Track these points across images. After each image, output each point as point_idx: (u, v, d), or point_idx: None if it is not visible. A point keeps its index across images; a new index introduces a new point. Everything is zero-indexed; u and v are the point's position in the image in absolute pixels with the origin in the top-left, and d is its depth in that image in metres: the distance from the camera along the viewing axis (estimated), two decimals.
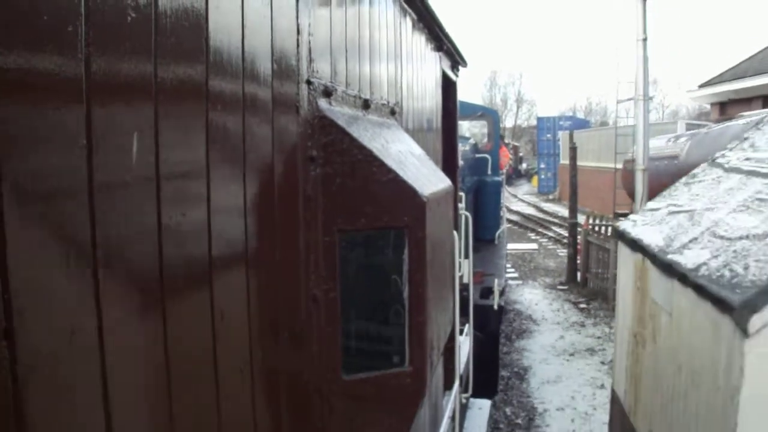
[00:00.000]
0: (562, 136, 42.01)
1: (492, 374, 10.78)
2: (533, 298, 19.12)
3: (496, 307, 10.37)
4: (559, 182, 46.36)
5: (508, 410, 11.25)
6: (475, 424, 8.18)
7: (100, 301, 1.24)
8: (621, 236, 6.40)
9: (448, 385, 6.07)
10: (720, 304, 3.72)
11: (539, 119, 57.58)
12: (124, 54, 1.32)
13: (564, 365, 13.33)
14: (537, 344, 14.76)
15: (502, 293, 12.19)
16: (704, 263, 4.27)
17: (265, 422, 2.07)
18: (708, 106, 20.78)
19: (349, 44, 2.88)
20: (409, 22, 4.30)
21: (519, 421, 10.82)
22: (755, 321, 3.41)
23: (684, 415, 4.60)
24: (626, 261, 6.28)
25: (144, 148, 1.38)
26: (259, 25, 1.99)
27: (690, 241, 4.89)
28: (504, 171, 20.33)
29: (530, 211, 37.66)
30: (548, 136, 51.79)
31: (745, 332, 3.45)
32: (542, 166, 52.15)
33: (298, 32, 2.29)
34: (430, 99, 5.34)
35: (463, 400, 7.46)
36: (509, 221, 26.99)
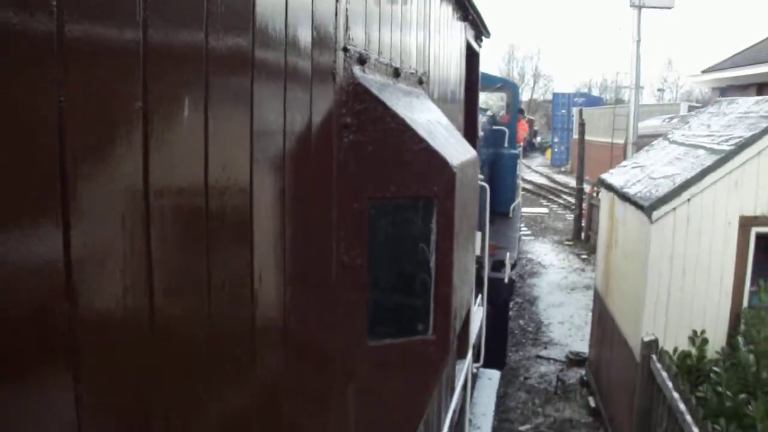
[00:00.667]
0: (576, 112, 43.27)
1: (500, 346, 10.85)
2: (543, 250, 22.65)
3: (506, 280, 10.38)
4: (571, 156, 47.73)
5: (521, 322, 15.18)
6: (484, 394, 8.26)
7: (151, 258, 1.27)
8: (602, 182, 10.78)
9: (461, 355, 6.12)
10: (642, 209, 7.77)
11: (555, 95, 60.74)
12: (178, 22, 1.34)
13: (566, 296, 17.33)
14: (545, 281, 18.83)
15: (513, 266, 12.24)
16: (639, 191, 8.38)
17: (290, 380, 2.11)
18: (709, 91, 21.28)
19: (383, 12, 2.88)
20: None
21: (530, 329, 14.82)
22: (655, 214, 7.49)
23: (625, 282, 8.72)
24: (604, 197, 10.82)
25: (194, 110, 1.41)
26: None
27: (636, 182, 8.93)
28: (521, 144, 20.32)
29: (543, 181, 40.48)
30: (563, 111, 53.44)
31: (650, 220, 7.49)
32: (556, 140, 53.67)
33: (337, 0, 2.30)
34: (455, 69, 5.33)
35: (474, 370, 7.52)
36: (523, 189, 28.51)
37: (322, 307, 2.35)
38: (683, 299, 7.62)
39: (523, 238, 22.79)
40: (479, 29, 6.83)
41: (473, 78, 6.69)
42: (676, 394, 6.23)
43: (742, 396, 6.30)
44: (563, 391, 11.38)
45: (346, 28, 2.39)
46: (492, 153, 14.92)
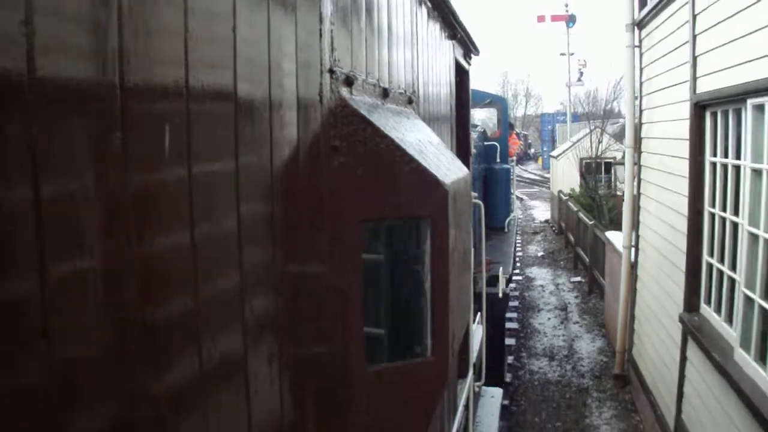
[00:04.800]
0: (558, 128, 55.52)
1: (498, 362, 10.78)
2: (535, 204, 39.04)
3: (501, 295, 10.34)
4: None
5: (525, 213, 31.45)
6: (487, 412, 8.19)
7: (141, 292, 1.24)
8: (553, 156, 34.61)
9: (462, 374, 6.08)
10: (554, 157, 34.10)
11: (542, 115, 76.25)
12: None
13: (543, 211, 34.78)
14: (537, 211, 36.49)
15: (508, 281, 12.19)
16: (561, 153, 31.71)
17: (292, 414, 2.08)
18: None
19: (369, 33, 2.86)
20: (424, 10, 4.28)
21: (521, 217, 24.73)
22: (554, 154, 35.54)
23: (562, 182, 29.37)
24: (554, 164, 32.73)
25: (176, 138, 1.39)
26: (284, 15, 1.98)
27: (563, 152, 31.36)
28: (513, 158, 20.56)
29: (535, 177, 54.27)
30: (549, 127, 65.38)
31: (557, 160, 32.23)
32: (545, 149, 65.64)
33: (321, 21, 2.28)
34: (445, 87, 5.33)
35: (476, 389, 7.46)
36: (522, 180, 45.78)
37: (318, 333, 2.32)
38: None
39: (526, 200, 39.77)
40: (468, 47, 6.84)
41: (464, 95, 6.69)
42: (572, 204, 23.11)
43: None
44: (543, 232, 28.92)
45: (332, 50, 2.37)
46: (484, 168, 14.94)
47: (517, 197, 26.15)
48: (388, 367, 2.59)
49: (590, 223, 18.45)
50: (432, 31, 4.63)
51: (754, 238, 5.99)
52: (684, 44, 8.08)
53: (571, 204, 22.89)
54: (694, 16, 7.56)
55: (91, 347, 1.15)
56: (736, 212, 6.50)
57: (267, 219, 1.89)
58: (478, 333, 7.46)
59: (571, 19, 41.49)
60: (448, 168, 2.89)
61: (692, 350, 7.62)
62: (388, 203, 2.46)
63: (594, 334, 14.25)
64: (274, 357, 1.94)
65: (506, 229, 15.84)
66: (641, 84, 11.09)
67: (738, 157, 6.51)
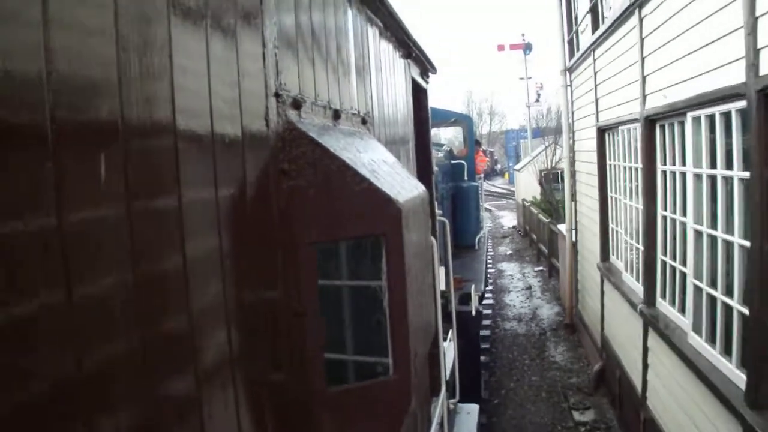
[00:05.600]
0: (522, 143, 57.72)
1: (474, 379, 10.78)
2: (503, 214, 43.06)
3: (474, 312, 10.36)
4: None
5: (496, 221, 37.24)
6: (464, 429, 8.16)
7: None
8: (516, 169, 41.82)
9: (434, 392, 6.06)
10: (517, 170, 42.13)
11: (507, 132, 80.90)
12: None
13: (510, 220, 39.07)
14: (506, 220, 39.87)
15: (481, 299, 12.23)
16: (522, 166, 38.87)
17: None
18: None
19: (317, 55, 2.87)
20: (375, 29, 4.31)
21: (492, 225, 29.51)
22: (517, 167, 42.42)
23: (525, 191, 34.20)
24: (518, 176, 39.20)
25: (113, 176, 1.37)
26: (223, 40, 1.97)
27: (524, 166, 38.01)
28: (481, 176, 20.83)
29: (502, 191, 57.30)
30: (514, 143, 69.21)
31: (518, 172, 40.71)
32: (510, 164, 67.11)
33: (264, 45, 2.28)
34: (402, 106, 5.35)
35: (451, 406, 7.44)
36: (491, 194, 48.73)
37: (276, 358, 2.30)
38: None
39: (495, 211, 43.59)
40: (424, 65, 6.88)
41: (422, 114, 6.72)
42: (533, 209, 27.75)
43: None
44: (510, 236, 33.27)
45: (277, 74, 2.37)
46: (452, 187, 14.99)
47: (486, 209, 30.44)
48: (349, 387, 2.58)
49: (547, 221, 22.69)
50: (385, 50, 4.65)
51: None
52: (590, 90, 12.57)
53: (532, 209, 27.79)
54: (595, 73, 12.02)
55: (43, 387, 1.13)
56: (684, 213, 7.48)
57: (215, 250, 1.88)
58: (450, 350, 7.45)
59: (527, 47, 46.12)
60: (402, 186, 2.90)
61: (607, 287, 11.89)
62: (340, 224, 2.46)
63: (552, 304, 18.70)
64: (230, 386, 1.92)
65: (477, 247, 15.88)
66: (572, 113, 15.40)
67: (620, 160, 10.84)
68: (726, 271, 6.16)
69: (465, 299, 10.47)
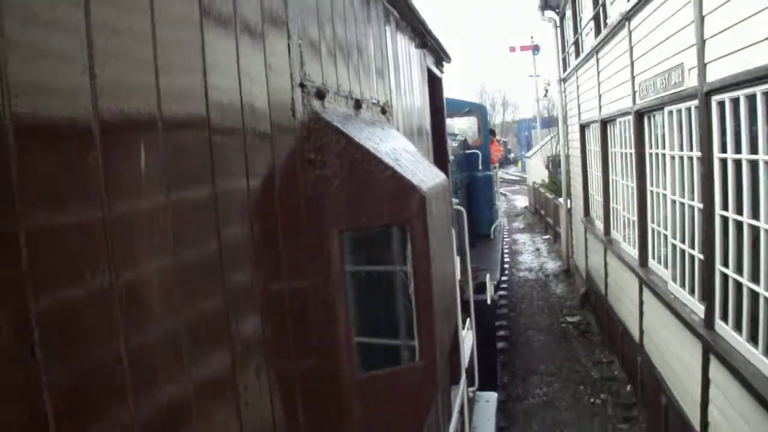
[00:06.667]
0: (533, 133, 62.89)
1: (491, 367, 10.79)
2: (518, 198, 46.01)
3: (489, 302, 10.36)
4: None
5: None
6: (483, 416, 8.20)
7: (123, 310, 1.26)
8: (527, 156, 50.03)
9: (454, 380, 6.09)
10: (527, 156, 52.16)
11: (519, 121, 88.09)
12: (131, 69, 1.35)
13: (523, 203, 42.46)
14: (519, 203, 43.18)
15: (497, 288, 12.24)
16: (534, 153, 45.26)
17: (284, 425, 2.09)
18: None
19: (338, 45, 2.89)
20: (392, 20, 4.33)
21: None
22: (529, 154, 51.13)
23: (536, 174, 39.05)
24: (528, 162, 46.34)
25: (153, 167, 1.41)
26: (251, 33, 2.01)
27: (534, 152, 45.68)
28: (496, 165, 20.91)
29: (515, 178, 61.71)
30: (526, 133, 75.64)
31: (529, 158, 49.07)
32: (523, 152, 70.60)
33: (288, 37, 2.31)
34: (418, 95, 5.37)
35: (470, 394, 7.47)
36: (505, 181, 53.74)
37: (306, 345, 2.33)
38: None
39: (509, 195, 47.51)
40: (439, 55, 6.89)
41: (438, 103, 6.73)
42: (542, 189, 31.83)
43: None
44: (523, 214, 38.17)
45: (301, 65, 2.40)
46: (467, 176, 14.98)
47: (502, 193, 35.19)
48: (377, 374, 2.61)
49: (551, 197, 27.84)
50: (402, 41, 4.67)
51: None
52: (574, 98, 17.95)
53: (541, 189, 32.97)
54: (578, 87, 17.11)
55: (85, 371, 1.17)
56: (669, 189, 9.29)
57: (247, 238, 1.91)
58: (468, 339, 7.48)
59: (536, 48, 49.60)
60: (424, 174, 2.92)
61: (588, 235, 16.48)
62: (366, 212, 2.48)
63: (555, 260, 23.80)
64: (263, 371, 1.96)
65: (492, 236, 15.87)
66: (566, 112, 20.41)
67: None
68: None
69: (480, 288, 10.48)
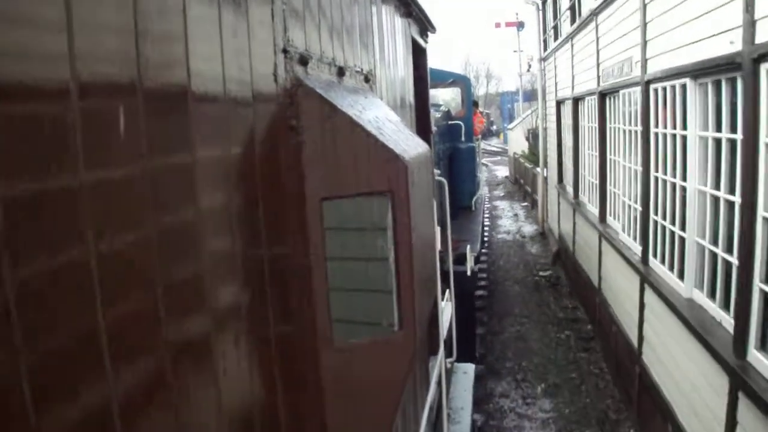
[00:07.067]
0: (516, 106, 66.08)
1: (469, 339, 10.86)
2: (498, 168, 49.00)
3: (469, 273, 10.40)
4: None
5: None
6: (461, 388, 8.27)
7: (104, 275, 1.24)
8: (509, 129, 53.85)
9: (432, 351, 6.12)
10: (508, 129, 59.05)
11: (502, 94, 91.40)
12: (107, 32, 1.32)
13: (503, 172, 46.48)
14: (500, 173, 46.26)
15: (477, 259, 12.29)
16: (516, 125, 50.15)
17: (262, 393, 2.09)
18: None
19: (322, 12, 2.86)
20: None
21: (488, 205, 28.14)
22: (509, 127, 56.85)
23: (517, 145, 44.43)
24: (510, 134, 50.34)
25: (130, 125, 1.38)
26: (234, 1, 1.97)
27: (517, 123, 49.70)
28: (479, 137, 20.99)
29: (497, 150, 65.53)
30: (509, 106, 78.61)
31: (510, 130, 53.96)
32: (505, 125, 73.15)
33: (272, 1, 2.27)
34: (402, 65, 5.33)
35: (448, 365, 7.52)
36: (487, 152, 57.09)
37: (284, 313, 2.32)
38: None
39: (491, 165, 50.23)
40: (424, 25, 6.84)
41: (422, 73, 6.70)
42: (522, 160, 35.23)
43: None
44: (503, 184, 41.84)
45: (285, 30, 2.36)
46: (449, 147, 14.96)
47: (483, 164, 36.22)
48: (356, 343, 2.61)
49: (530, 167, 30.12)
50: (386, 8, 4.63)
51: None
52: (552, 77, 20.39)
53: (521, 159, 35.51)
54: (555, 67, 19.45)
55: (64, 338, 1.15)
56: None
57: (226, 204, 1.89)
58: (447, 310, 7.51)
59: (520, 25, 52.18)
60: (407, 144, 2.90)
61: (561, 199, 18.80)
62: (348, 180, 2.47)
63: (532, 225, 26.40)
64: (241, 338, 1.95)
65: (473, 208, 15.91)
66: (545, 88, 22.56)
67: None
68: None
69: (460, 260, 10.50)
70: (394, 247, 2.58)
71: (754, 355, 5.72)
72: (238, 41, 2.00)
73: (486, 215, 23.12)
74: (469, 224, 14.30)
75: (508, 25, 54.65)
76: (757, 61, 5.45)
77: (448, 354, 7.28)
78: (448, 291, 7.80)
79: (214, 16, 1.84)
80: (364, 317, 2.75)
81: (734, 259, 6.23)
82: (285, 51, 2.35)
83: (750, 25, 5.52)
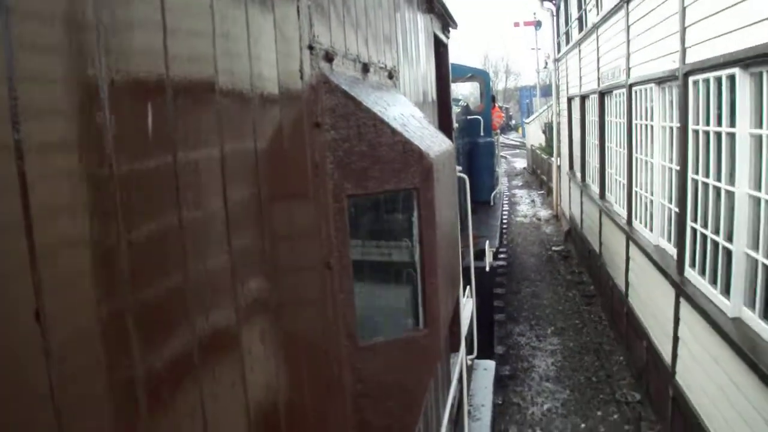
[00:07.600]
0: (534, 101, 66.71)
1: (487, 336, 10.83)
2: (518, 160, 51.90)
3: (488, 269, 10.36)
4: None
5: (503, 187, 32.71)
6: (481, 385, 8.25)
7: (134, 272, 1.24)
8: (527, 122, 54.02)
9: (453, 348, 6.10)
10: (527, 122, 57.50)
11: (521, 89, 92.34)
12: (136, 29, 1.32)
13: (522, 162, 50.22)
14: (519, 164, 50.17)
15: (495, 255, 12.25)
16: (534, 119, 50.57)
17: (288, 390, 2.08)
18: None
19: (346, 8, 2.84)
20: None
21: (507, 193, 30.96)
22: (528, 120, 57.31)
23: (535, 138, 45.72)
24: (528, 128, 52.10)
25: (159, 119, 1.38)
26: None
27: (534, 118, 50.63)
28: (498, 131, 20.95)
29: (515, 143, 67.18)
30: (527, 101, 78.14)
31: (528, 123, 54.93)
32: (524, 119, 74.04)
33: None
34: (424, 61, 5.30)
35: (469, 362, 7.50)
36: (506, 146, 58.68)
37: (309, 310, 2.31)
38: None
39: (509, 157, 53.36)
40: (446, 20, 6.80)
41: (443, 69, 6.66)
42: (538, 151, 38.04)
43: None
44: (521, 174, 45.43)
45: (310, 26, 2.35)
46: (468, 142, 14.93)
47: (503, 156, 40.39)
48: (380, 341, 2.59)
49: (546, 157, 32.86)
50: (409, 4, 4.60)
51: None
52: (564, 76, 23.51)
53: (537, 151, 38.37)
54: (567, 68, 22.57)
55: (88, 328, 1.15)
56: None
57: (254, 199, 1.88)
58: (467, 307, 7.49)
59: (538, 24, 53.28)
60: (431, 140, 2.89)
61: (572, 184, 21.49)
62: (373, 177, 2.45)
63: (547, 210, 29.35)
64: (267, 335, 1.94)
65: (492, 203, 15.86)
66: (559, 86, 25.29)
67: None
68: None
69: (479, 255, 10.47)
70: (419, 244, 2.57)
71: None
72: (265, 38, 1.98)
73: (505, 210, 23.74)
74: (487, 219, 14.28)
75: (526, 24, 56.35)
76: (687, 75, 8.12)
77: (469, 351, 7.26)
78: (468, 287, 7.77)
79: (241, 14, 1.83)
80: (389, 315, 2.74)
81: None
82: (311, 47, 2.34)
83: (682, 53, 8.42)
